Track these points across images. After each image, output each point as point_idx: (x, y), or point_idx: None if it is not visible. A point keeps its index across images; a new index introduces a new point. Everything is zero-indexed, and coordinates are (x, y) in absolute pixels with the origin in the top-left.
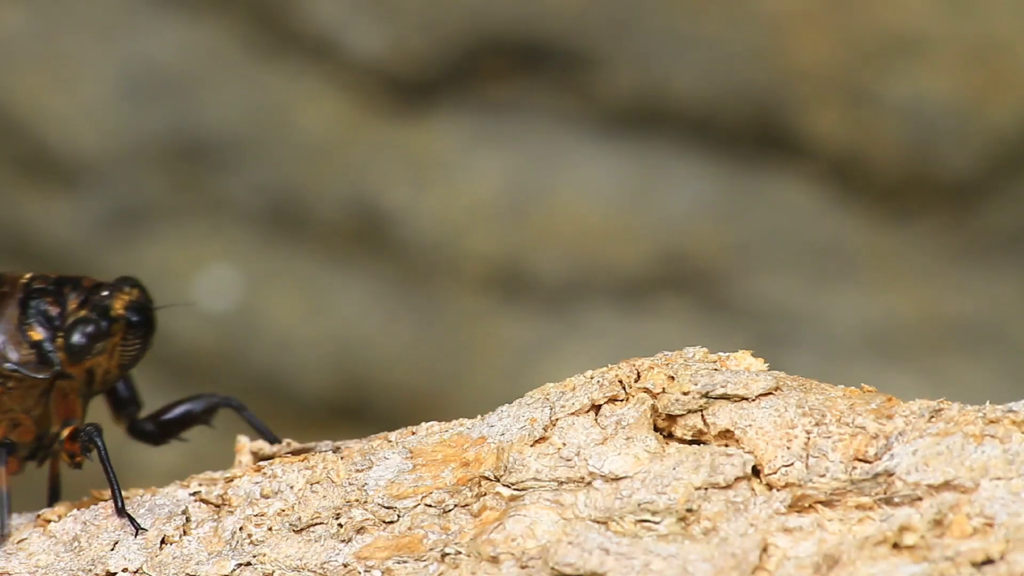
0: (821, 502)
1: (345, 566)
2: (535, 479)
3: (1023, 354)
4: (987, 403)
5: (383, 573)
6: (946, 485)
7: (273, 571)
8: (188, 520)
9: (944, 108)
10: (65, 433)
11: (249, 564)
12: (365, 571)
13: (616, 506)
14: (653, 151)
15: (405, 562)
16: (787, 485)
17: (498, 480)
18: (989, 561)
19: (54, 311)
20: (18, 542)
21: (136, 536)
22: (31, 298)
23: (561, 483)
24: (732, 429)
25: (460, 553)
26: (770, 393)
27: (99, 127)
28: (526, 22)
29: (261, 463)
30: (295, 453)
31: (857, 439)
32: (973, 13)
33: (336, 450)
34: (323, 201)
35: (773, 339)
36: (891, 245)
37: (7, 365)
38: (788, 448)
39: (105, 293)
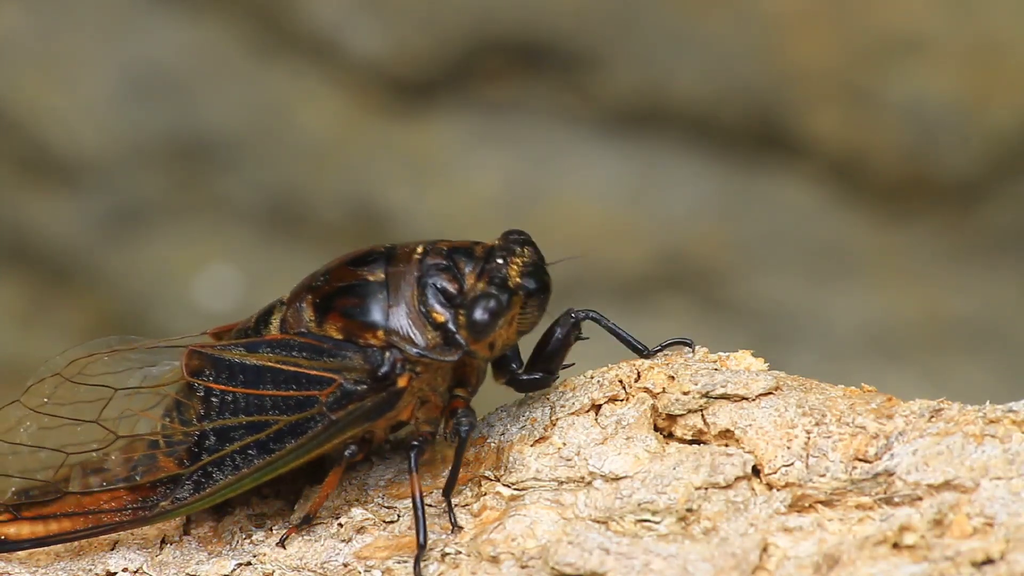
0: (821, 502)
1: (345, 566)
2: (535, 479)
3: (1023, 354)
4: (987, 403)
5: (383, 573)
6: (946, 485)
7: (273, 571)
8: (188, 520)
9: (944, 108)
10: (457, 391)
11: (249, 564)
12: (365, 571)
13: (616, 506)
14: (653, 151)
15: (405, 562)
16: (787, 485)
17: (498, 480)
18: (989, 561)
19: (453, 288)
20: None
21: (452, 532)
22: (427, 276)
23: (561, 483)
24: (732, 429)
25: (460, 553)
26: (770, 393)
27: (99, 127)
28: (526, 22)
29: None
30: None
31: (857, 439)
32: (973, 13)
33: None
34: (323, 201)
35: (773, 339)
36: (891, 245)
37: (413, 351)
38: (788, 448)
39: (500, 261)
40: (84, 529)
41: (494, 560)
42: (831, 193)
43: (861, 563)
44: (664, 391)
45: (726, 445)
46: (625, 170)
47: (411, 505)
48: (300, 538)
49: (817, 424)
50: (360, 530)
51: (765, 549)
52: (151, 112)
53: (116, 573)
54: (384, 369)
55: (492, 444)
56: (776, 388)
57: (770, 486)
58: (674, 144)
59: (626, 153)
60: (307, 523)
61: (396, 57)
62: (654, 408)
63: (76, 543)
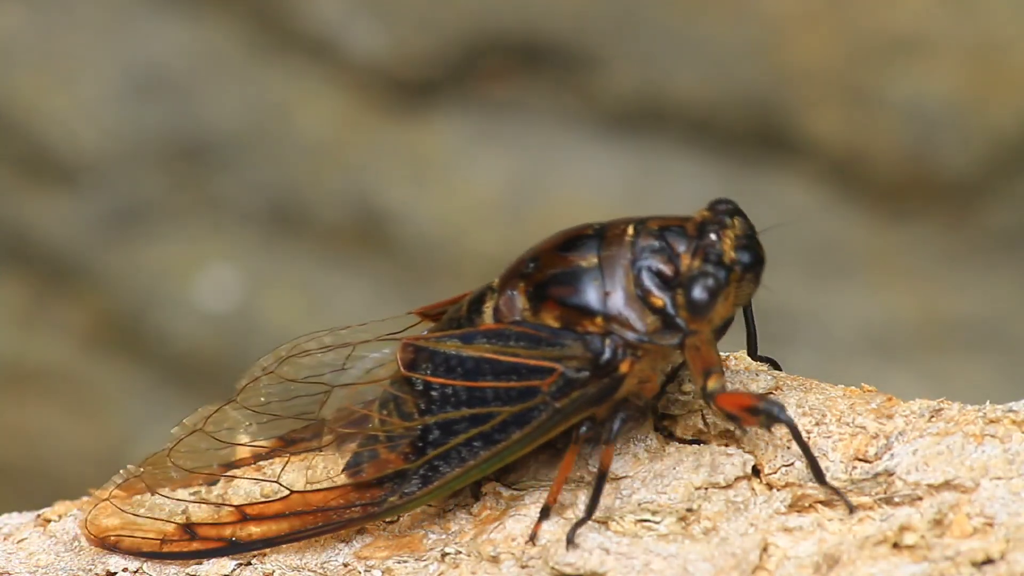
0: (821, 502)
1: (345, 565)
2: (535, 479)
3: (1023, 354)
4: (987, 403)
5: (383, 573)
6: (946, 485)
7: (273, 571)
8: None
9: (944, 108)
10: (712, 384)
11: (249, 564)
12: (365, 571)
13: (616, 506)
14: (653, 151)
15: (405, 562)
16: (787, 485)
17: (498, 480)
18: (989, 561)
19: (668, 270)
20: (18, 542)
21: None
22: (641, 259)
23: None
24: (732, 429)
25: (460, 552)
26: (770, 393)
27: (99, 127)
28: (526, 22)
29: (261, 463)
30: (295, 453)
31: (857, 439)
32: (973, 13)
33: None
34: (323, 201)
35: (773, 339)
36: (891, 245)
37: (633, 336)
38: (788, 448)
39: (713, 236)
40: (313, 527)
41: (494, 560)
42: (831, 193)
43: (861, 563)
44: (664, 391)
45: (726, 445)
46: (625, 170)
47: (596, 476)
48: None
49: (817, 424)
50: (360, 530)
51: (765, 549)
52: (151, 112)
53: (116, 573)
54: (606, 356)
55: None
56: (776, 388)
57: (770, 486)
58: (674, 144)
59: (626, 153)
60: (547, 515)
61: (396, 57)
62: (654, 408)
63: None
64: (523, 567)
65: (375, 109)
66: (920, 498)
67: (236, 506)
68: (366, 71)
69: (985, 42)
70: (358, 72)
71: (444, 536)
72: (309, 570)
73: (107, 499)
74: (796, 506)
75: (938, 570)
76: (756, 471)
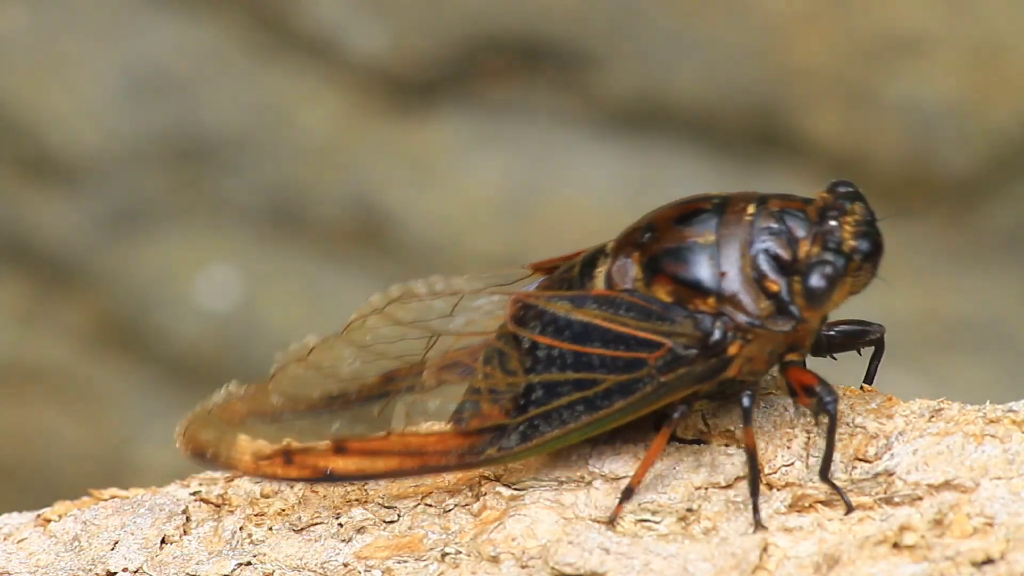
0: (821, 502)
1: (345, 566)
2: (535, 479)
3: (1023, 354)
4: (987, 403)
5: (383, 573)
6: (946, 485)
7: (273, 571)
8: (188, 519)
9: (944, 108)
10: (791, 356)
11: (249, 564)
12: (365, 571)
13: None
14: (653, 151)
15: (405, 562)
16: (787, 485)
17: (498, 480)
18: (989, 561)
19: (786, 254)
20: (18, 542)
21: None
22: (759, 241)
23: (561, 483)
24: (733, 429)
25: (460, 552)
26: (770, 393)
27: (99, 127)
28: (526, 22)
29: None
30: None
31: (857, 439)
32: (973, 13)
33: None
34: (323, 201)
35: None
36: (891, 245)
37: (745, 319)
38: (788, 448)
39: (833, 223)
40: (410, 469)
41: (494, 560)
42: None
43: (861, 563)
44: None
45: (726, 445)
46: (625, 170)
47: (745, 459)
48: (300, 538)
49: (817, 424)
50: (360, 530)
51: (765, 549)
52: (151, 112)
53: (116, 573)
54: (715, 337)
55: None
56: (776, 388)
57: (770, 486)
58: (674, 144)
59: (626, 153)
60: (628, 496)
61: (396, 57)
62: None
63: (76, 543)
64: (523, 567)
65: (375, 109)
66: (920, 498)
67: (334, 439)
68: (366, 71)
69: (985, 42)
70: (358, 72)
71: (444, 536)
72: (309, 570)
73: (207, 412)
74: (796, 506)
75: (938, 570)
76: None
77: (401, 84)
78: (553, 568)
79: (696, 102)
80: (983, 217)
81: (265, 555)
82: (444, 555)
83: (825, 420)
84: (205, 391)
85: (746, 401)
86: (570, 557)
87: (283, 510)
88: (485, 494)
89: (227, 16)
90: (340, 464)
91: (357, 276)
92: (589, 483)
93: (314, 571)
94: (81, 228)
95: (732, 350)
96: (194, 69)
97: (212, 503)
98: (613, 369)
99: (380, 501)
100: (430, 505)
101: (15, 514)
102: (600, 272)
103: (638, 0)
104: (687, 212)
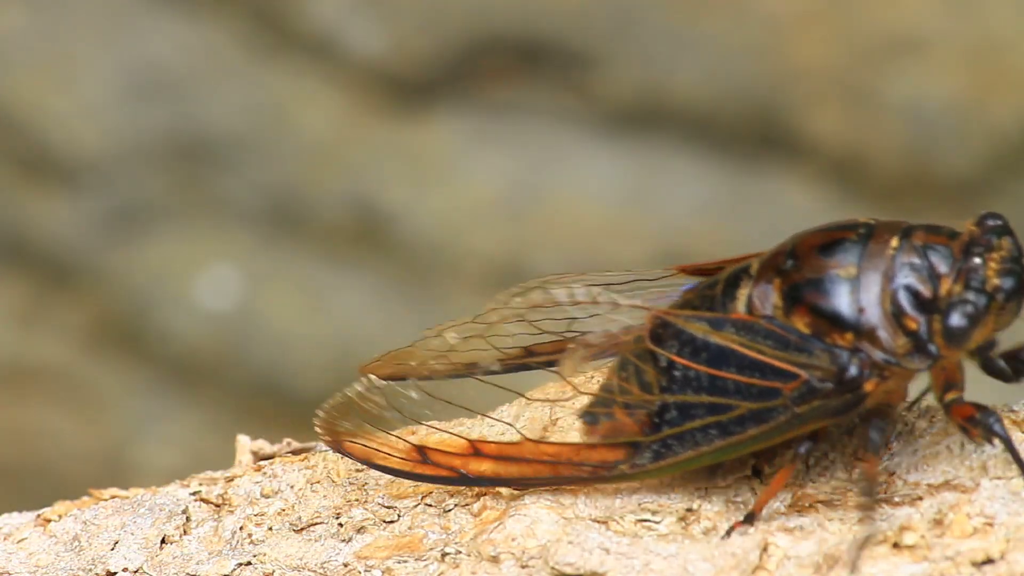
0: (821, 502)
1: (345, 566)
2: None
3: None
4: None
5: (383, 573)
6: (946, 485)
7: (273, 571)
8: (188, 520)
9: (944, 108)
10: (950, 396)
11: (249, 564)
12: (365, 571)
13: (616, 505)
14: (653, 151)
15: (405, 562)
16: (787, 485)
17: None
18: (989, 561)
19: (926, 291)
20: (18, 542)
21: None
22: (899, 275)
23: None
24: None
25: (460, 552)
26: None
27: (99, 127)
28: (526, 22)
29: (261, 463)
30: (295, 453)
31: (857, 439)
32: (973, 13)
33: None
34: (323, 201)
35: None
36: None
37: (881, 356)
38: (788, 447)
39: (977, 260)
40: (541, 478)
41: (494, 560)
42: (831, 193)
43: (861, 563)
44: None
45: None
46: (625, 170)
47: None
48: (300, 538)
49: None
50: (360, 530)
51: (765, 549)
52: (151, 112)
53: (116, 573)
54: (851, 373)
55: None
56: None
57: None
58: (674, 144)
59: (626, 153)
60: (751, 520)
61: (396, 57)
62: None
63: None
64: (523, 567)
65: (375, 109)
66: (920, 498)
67: (469, 440)
68: (366, 71)
69: (985, 42)
70: (358, 72)
71: (444, 536)
72: (309, 570)
73: (347, 402)
74: (796, 506)
75: (938, 570)
76: (757, 471)
77: (401, 84)
78: (553, 568)
79: (696, 102)
80: None
81: (265, 555)
82: (444, 555)
83: (998, 442)
84: (205, 391)
85: (874, 435)
86: (570, 557)
87: (283, 510)
88: (485, 494)
89: (227, 16)
90: (474, 466)
91: (357, 276)
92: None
93: (314, 571)
94: (81, 228)
95: (867, 387)
96: (194, 69)
97: (212, 503)
98: (748, 396)
99: (380, 501)
100: (430, 505)
101: (15, 514)
102: (742, 294)
103: (638, 0)
104: (831, 241)
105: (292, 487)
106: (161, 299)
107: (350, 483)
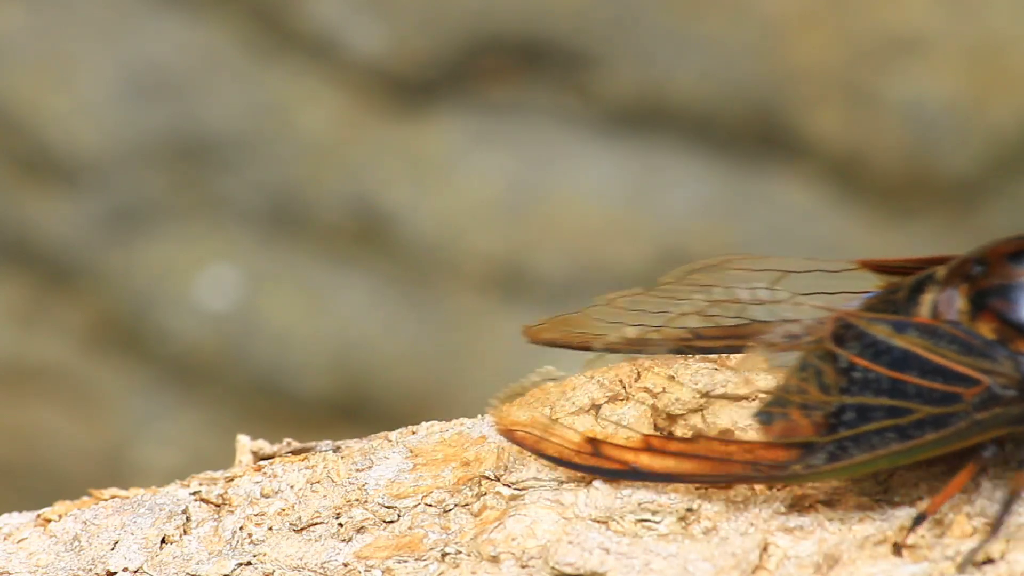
0: (821, 501)
1: (345, 565)
2: (535, 478)
3: None
4: None
5: (383, 573)
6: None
7: (273, 571)
8: (188, 519)
9: (944, 108)
10: None
11: (249, 564)
12: (365, 571)
13: (616, 505)
14: (653, 151)
15: (405, 561)
16: (787, 484)
17: (498, 479)
18: (989, 561)
19: None
20: (18, 542)
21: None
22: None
23: (561, 483)
24: (732, 428)
25: (460, 552)
26: (771, 392)
27: (99, 127)
28: (526, 22)
29: (261, 463)
30: (295, 453)
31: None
32: (973, 13)
33: (336, 450)
34: (323, 201)
35: None
36: (891, 245)
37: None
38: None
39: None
40: (714, 475)
41: (494, 560)
42: (831, 193)
43: (861, 563)
44: (664, 391)
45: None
46: (625, 170)
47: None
48: (300, 538)
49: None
50: (360, 530)
51: (765, 549)
52: (151, 112)
53: (116, 573)
54: None
55: (492, 444)
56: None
57: (770, 486)
58: (674, 144)
59: (626, 153)
60: (920, 522)
61: (396, 57)
62: (654, 408)
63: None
64: (523, 567)
65: (375, 109)
66: (920, 498)
67: (643, 434)
68: (366, 71)
69: (985, 42)
70: (358, 72)
71: (444, 536)
72: (309, 570)
73: (523, 393)
74: (796, 506)
75: (938, 570)
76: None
77: (401, 84)
78: (553, 568)
79: (696, 102)
80: (983, 217)
81: (265, 555)
82: (444, 555)
83: None
84: (205, 390)
85: None
86: (570, 557)
87: (283, 510)
88: (485, 494)
89: (227, 16)
90: (646, 461)
91: (357, 276)
92: (589, 483)
93: (314, 571)
94: (81, 228)
95: None
96: (194, 69)
97: (212, 503)
98: (928, 400)
99: (380, 501)
100: (430, 505)
101: (15, 514)
102: (927, 299)
103: (638, 0)
104: (1021, 248)
105: (292, 487)
106: (161, 299)
107: (350, 483)
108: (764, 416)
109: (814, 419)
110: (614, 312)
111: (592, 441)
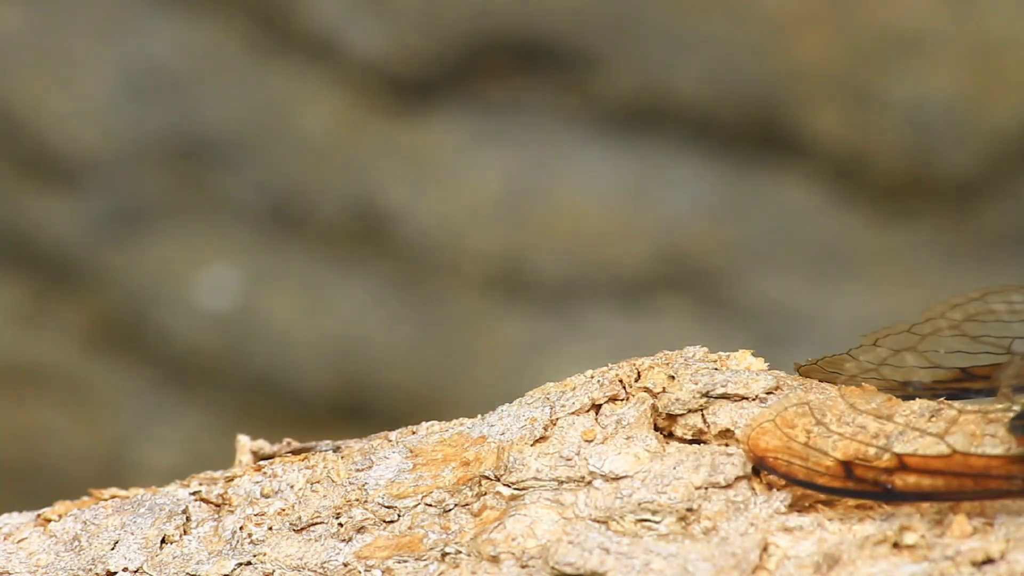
0: (821, 501)
1: (345, 565)
2: (535, 478)
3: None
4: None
5: (383, 572)
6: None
7: (273, 571)
8: (188, 519)
9: (944, 108)
10: None
11: (249, 563)
12: (365, 570)
13: (616, 505)
14: (653, 151)
15: (405, 561)
16: (787, 484)
17: (498, 479)
18: (989, 561)
19: None
20: (18, 542)
21: None
22: None
23: (561, 482)
24: (732, 428)
25: (460, 552)
26: (770, 392)
27: (99, 127)
28: (526, 22)
29: (261, 462)
30: (295, 453)
31: (857, 439)
32: (973, 13)
33: (336, 450)
34: (323, 201)
35: (774, 338)
36: (891, 245)
37: None
38: (788, 447)
39: None
40: (970, 491)
41: (494, 560)
42: (831, 193)
43: (861, 563)
44: (664, 391)
45: (726, 445)
46: (625, 170)
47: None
48: (300, 538)
49: (817, 424)
50: (360, 530)
51: (765, 548)
52: (151, 112)
53: (116, 573)
54: None
55: (492, 444)
56: (776, 388)
57: (770, 486)
58: (674, 144)
59: (626, 153)
60: None
61: (396, 57)
62: (654, 408)
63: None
64: (523, 567)
65: (375, 109)
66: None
67: (897, 453)
68: (366, 71)
69: (985, 42)
70: (358, 72)
71: (444, 536)
72: (309, 570)
73: (771, 420)
74: (796, 506)
75: (938, 570)
76: (756, 471)
77: (401, 84)
78: (553, 568)
79: (696, 102)
80: (983, 217)
81: (265, 555)
82: (444, 555)
83: None
84: (205, 391)
85: None
86: (570, 557)
87: (283, 510)
88: (485, 494)
89: (227, 16)
90: (900, 480)
91: (357, 276)
92: (589, 483)
93: (314, 571)
94: (81, 228)
95: None
96: (194, 69)
97: (212, 503)
98: None
99: (380, 501)
100: (430, 505)
101: (15, 514)
102: None
103: (638, 0)
104: None
105: (292, 487)
106: (161, 299)
107: (350, 483)
108: (1020, 428)
109: None
110: (879, 354)
111: (845, 464)
